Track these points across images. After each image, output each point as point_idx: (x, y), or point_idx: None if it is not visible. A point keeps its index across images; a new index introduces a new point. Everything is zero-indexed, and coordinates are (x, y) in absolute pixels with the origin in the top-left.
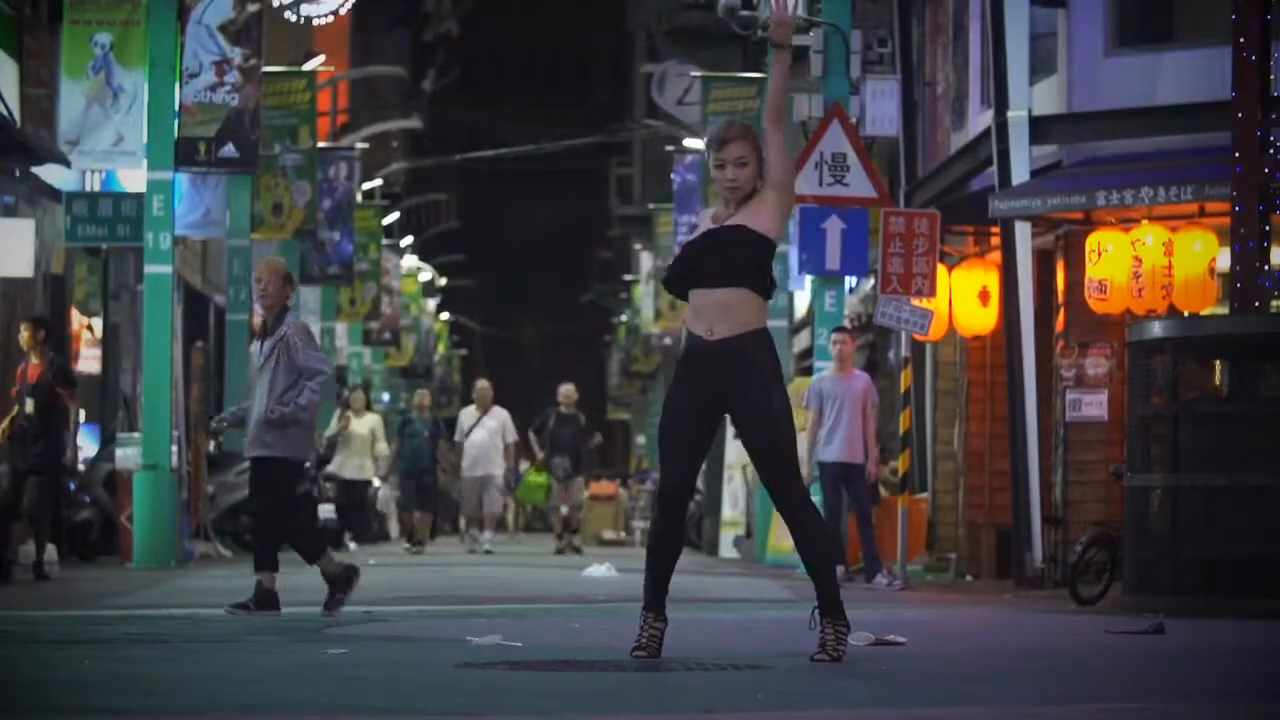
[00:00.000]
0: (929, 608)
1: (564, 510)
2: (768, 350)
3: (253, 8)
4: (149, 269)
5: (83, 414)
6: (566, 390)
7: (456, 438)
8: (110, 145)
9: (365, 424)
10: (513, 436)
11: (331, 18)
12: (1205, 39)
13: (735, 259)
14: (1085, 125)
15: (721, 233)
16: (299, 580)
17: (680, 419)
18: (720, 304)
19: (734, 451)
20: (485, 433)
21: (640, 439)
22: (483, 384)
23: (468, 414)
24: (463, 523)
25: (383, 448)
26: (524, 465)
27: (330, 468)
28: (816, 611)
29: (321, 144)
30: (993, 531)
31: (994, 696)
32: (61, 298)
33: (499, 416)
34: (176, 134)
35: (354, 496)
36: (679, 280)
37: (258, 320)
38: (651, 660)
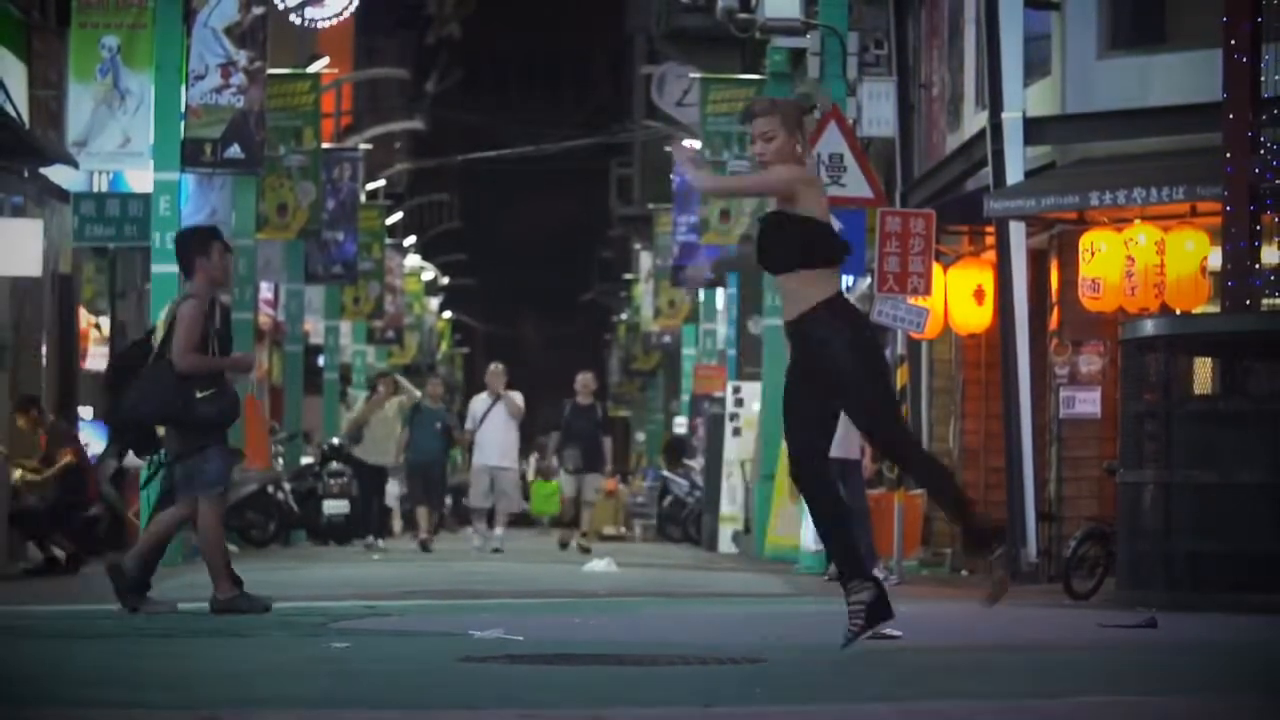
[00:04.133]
0: (924, 602)
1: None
2: (828, 323)
3: (258, 11)
4: (156, 268)
5: (91, 411)
6: (584, 380)
7: (468, 426)
8: (117, 146)
9: (393, 407)
10: (520, 401)
11: (339, 18)
12: (1197, 41)
13: (781, 247)
14: (1079, 126)
15: (770, 220)
16: (303, 576)
17: (791, 393)
18: (783, 289)
19: (733, 448)
20: (499, 421)
21: (640, 436)
22: (495, 366)
23: (479, 401)
24: (476, 524)
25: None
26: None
27: (356, 452)
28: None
29: (325, 145)
30: None
31: (988, 690)
32: (69, 297)
33: (513, 401)
34: (183, 135)
35: (374, 483)
36: (760, 258)
37: None
38: (652, 654)
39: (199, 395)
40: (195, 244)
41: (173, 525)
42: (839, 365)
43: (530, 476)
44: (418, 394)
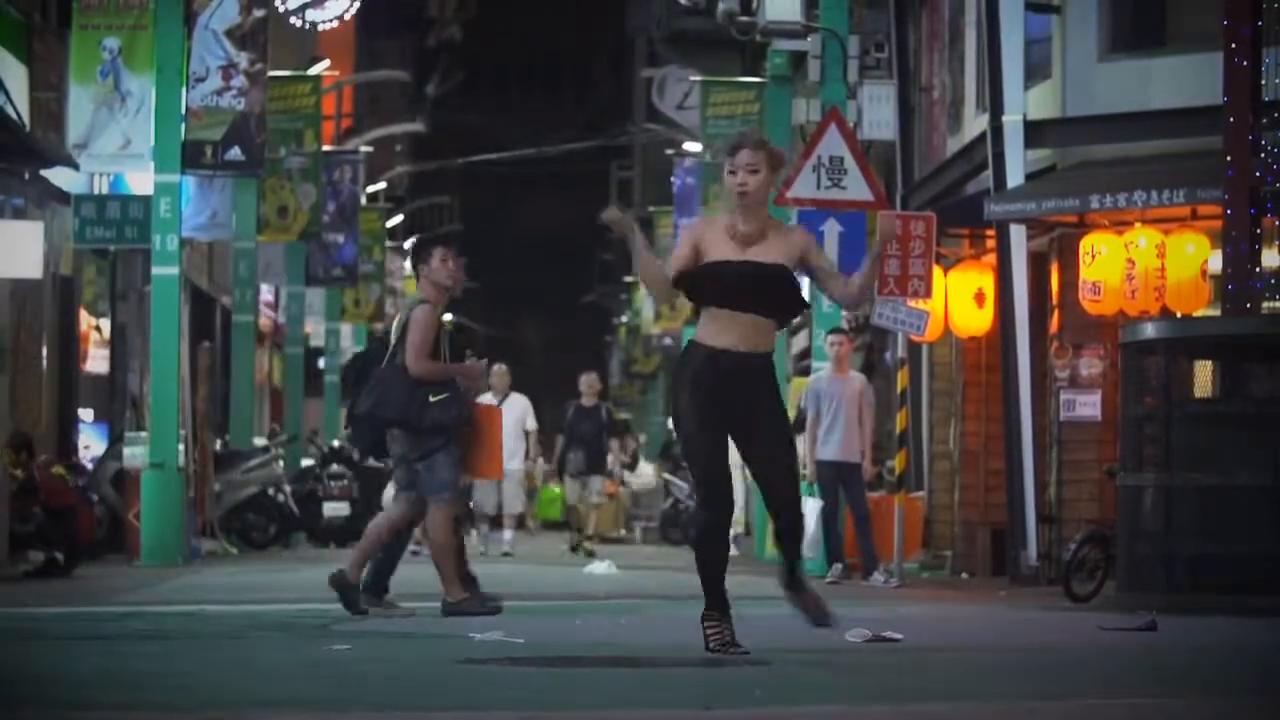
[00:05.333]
0: (925, 605)
1: (583, 507)
2: (774, 371)
3: (259, 13)
4: (156, 270)
5: (91, 414)
6: (588, 380)
7: None
8: (118, 148)
9: None
10: (533, 424)
11: (336, 23)
12: (1197, 44)
13: (774, 298)
14: (1079, 129)
15: (767, 269)
16: (304, 577)
17: (711, 421)
18: (747, 324)
19: (733, 451)
20: (505, 423)
21: (641, 438)
22: (499, 367)
23: (484, 401)
24: (480, 526)
25: None
26: (541, 464)
27: (357, 457)
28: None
29: (326, 147)
30: (988, 530)
31: (989, 692)
32: (70, 299)
33: (518, 404)
34: (183, 137)
35: (373, 486)
36: (709, 294)
37: None
38: (652, 656)
39: (431, 400)
40: (418, 252)
41: (390, 526)
42: (780, 412)
43: (539, 481)
44: None
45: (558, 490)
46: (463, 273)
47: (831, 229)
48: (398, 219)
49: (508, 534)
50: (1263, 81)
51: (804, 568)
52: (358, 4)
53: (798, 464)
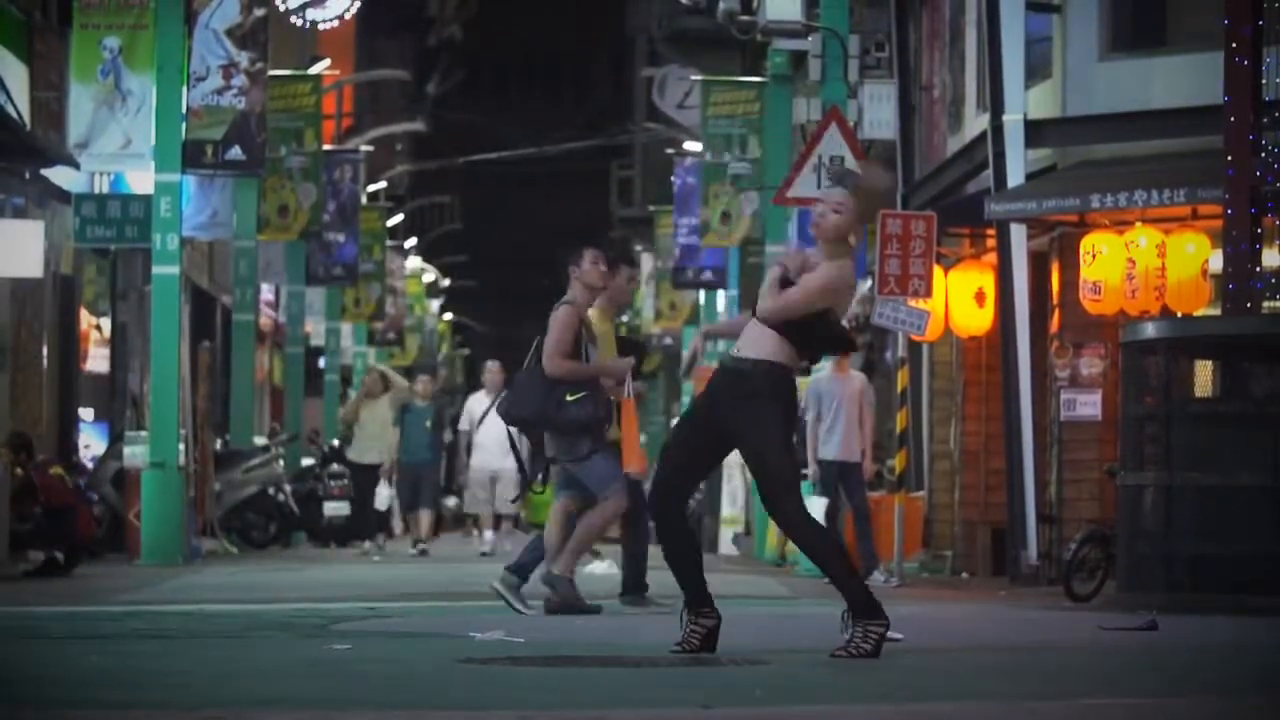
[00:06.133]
0: (925, 604)
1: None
2: (772, 380)
3: (259, 12)
4: (157, 270)
5: (91, 413)
6: None
7: (464, 426)
8: (118, 148)
9: (383, 404)
10: None
11: (337, 22)
12: (1198, 44)
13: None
14: (1080, 129)
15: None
16: (305, 576)
17: (685, 426)
18: (750, 327)
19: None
20: (498, 421)
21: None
22: (492, 365)
23: (477, 400)
24: (482, 527)
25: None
26: None
27: (348, 453)
28: (847, 614)
29: (326, 147)
30: (988, 529)
31: (989, 691)
32: (70, 298)
33: None
34: (184, 137)
35: (366, 484)
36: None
37: None
38: (652, 656)
39: (569, 399)
40: (571, 253)
41: (576, 523)
42: (751, 427)
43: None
44: (404, 384)
45: (545, 494)
46: (633, 280)
47: None
48: (398, 218)
49: (489, 535)
50: (1263, 81)
51: (853, 595)
52: (358, 3)
53: (777, 470)
